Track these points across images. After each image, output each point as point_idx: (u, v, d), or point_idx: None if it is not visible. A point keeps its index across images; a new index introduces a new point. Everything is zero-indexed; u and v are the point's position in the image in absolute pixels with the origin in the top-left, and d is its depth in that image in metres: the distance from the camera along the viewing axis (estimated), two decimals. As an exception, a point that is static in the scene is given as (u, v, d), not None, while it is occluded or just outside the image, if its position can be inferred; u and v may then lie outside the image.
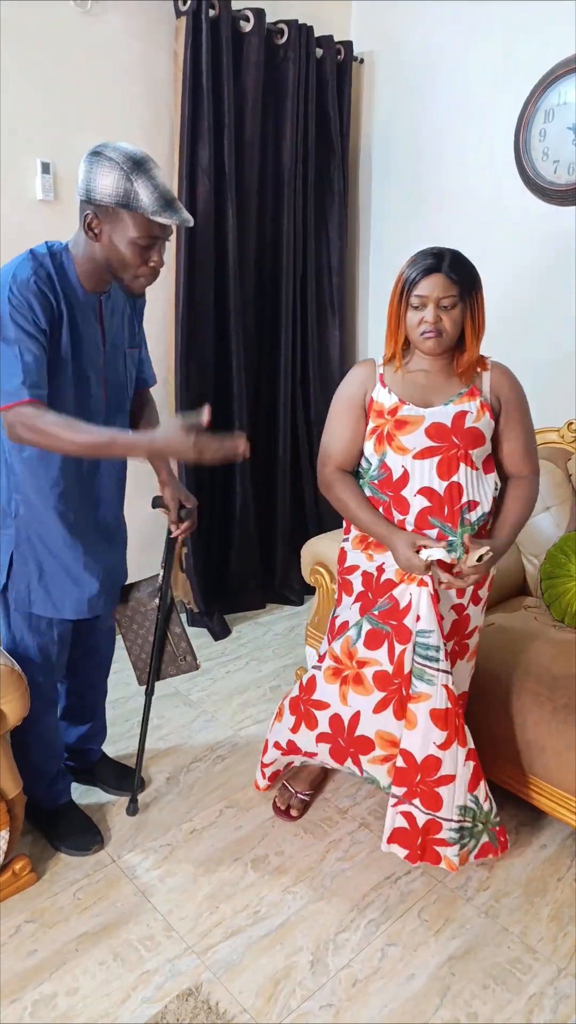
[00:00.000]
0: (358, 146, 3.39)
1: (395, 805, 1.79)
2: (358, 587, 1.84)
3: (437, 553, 1.65)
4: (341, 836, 2.03)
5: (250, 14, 2.78)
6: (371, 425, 1.76)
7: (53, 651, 1.84)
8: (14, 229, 2.45)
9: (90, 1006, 1.56)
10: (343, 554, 1.90)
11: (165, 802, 2.14)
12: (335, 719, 1.85)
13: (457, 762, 1.75)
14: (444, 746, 1.73)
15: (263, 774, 2.10)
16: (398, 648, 1.74)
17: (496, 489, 1.79)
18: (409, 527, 1.71)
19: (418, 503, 1.70)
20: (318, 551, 2.48)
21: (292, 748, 1.96)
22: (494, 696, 2.00)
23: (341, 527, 2.02)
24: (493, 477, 1.76)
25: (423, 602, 1.70)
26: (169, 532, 1.94)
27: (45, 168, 2.47)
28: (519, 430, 1.76)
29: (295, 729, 1.93)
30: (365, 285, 3.59)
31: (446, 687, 1.70)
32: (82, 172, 1.50)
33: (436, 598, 1.70)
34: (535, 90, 2.65)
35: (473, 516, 1.71)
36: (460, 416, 1.69)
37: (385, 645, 1.76)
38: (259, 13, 2.79)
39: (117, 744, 2.35)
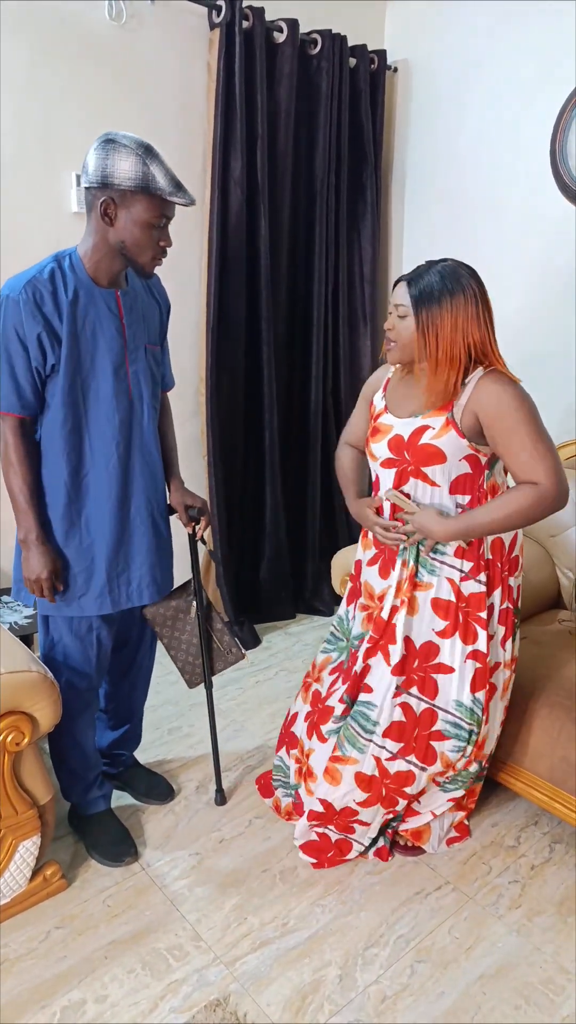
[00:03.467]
0: (391, 155, 3.38)
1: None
2: (351, 570, 2.02)
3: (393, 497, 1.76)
4: (370, 849, 2.02)
5: (284, 25, 2.80)
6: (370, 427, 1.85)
7: (93, 655, 1.86)
8: (49, 240, 2.48)
9: (119, 1014, 1.56)
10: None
11: (194, 811, 2.14)
12: (290, 712, 2.15)
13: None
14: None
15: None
16: (340, 689, 1.92)
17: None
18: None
19: (386, 508, 1.81)
20: (348, 562, 2.45)
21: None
22: (528, 711, 1.96)
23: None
24: (459, 499, 1.70)
25: (379, 673, 1.82)
26: (190, 536, 2.01)
27: (79, 180, 2.50)
28: (513, 442, 1.60)
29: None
30: (397, 294, 3.56)
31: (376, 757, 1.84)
32: (95, 159, 1.54)
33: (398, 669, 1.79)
34: (571, 96, 2.62)
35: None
36: (419, 431, 1.68)
37: (333, 676, 1.96)
38: (293, 24, 2.80)
39: (147, 752, 2.35)
